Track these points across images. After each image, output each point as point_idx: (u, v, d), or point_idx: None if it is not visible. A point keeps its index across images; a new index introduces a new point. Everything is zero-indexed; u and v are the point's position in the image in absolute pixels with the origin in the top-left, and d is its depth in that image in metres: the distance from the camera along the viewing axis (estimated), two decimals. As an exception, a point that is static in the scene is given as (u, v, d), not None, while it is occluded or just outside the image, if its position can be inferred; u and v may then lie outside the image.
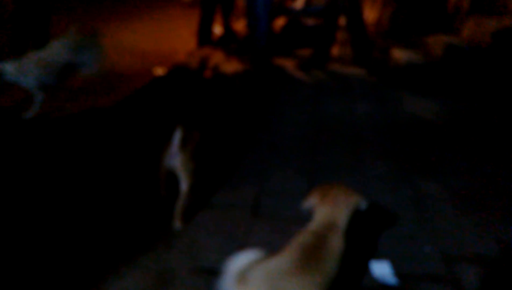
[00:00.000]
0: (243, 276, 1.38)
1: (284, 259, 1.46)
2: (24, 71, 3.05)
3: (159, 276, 1.83)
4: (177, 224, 2.14)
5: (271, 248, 2.02)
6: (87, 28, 3.38)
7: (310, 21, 6.64)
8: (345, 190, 1.75)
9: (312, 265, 1.46)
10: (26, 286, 1.77)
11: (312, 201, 1.73)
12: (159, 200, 2.35)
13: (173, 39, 6.19)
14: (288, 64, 5.28)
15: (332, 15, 5.00)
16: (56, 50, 3.26)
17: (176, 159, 2.11)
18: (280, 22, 6.34)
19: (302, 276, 1.43)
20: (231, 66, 5.01)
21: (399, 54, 5.07)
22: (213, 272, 1.86)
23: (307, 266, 1.45)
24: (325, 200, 1.68)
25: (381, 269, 1.92)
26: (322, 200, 1.69)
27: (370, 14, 7.93)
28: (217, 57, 5.32)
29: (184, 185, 2.14)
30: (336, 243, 1.57)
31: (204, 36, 5.77)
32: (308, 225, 1.65)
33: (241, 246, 2.02)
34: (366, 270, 1.93)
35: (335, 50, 6.07)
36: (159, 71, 4.73)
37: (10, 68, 3.01)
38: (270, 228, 2.18)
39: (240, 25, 6.94)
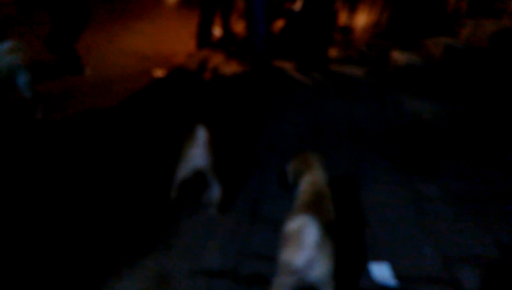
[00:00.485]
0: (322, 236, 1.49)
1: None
2: None
3: (159, 277, 1.82)
4: (216, 212, 2.26)
5: (270, 250, 2.03)
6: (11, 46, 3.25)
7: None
8: (315, 153, 2.08)
9: (329, 202, 1.85)
10: (29, 287, 1.76)
11: (296, 166, 2.00)
12: (158, 202, 2.35)
13: (173, 41, 6.19)
14: (288, 65, 5.29)
15: (318, 17, 5.08)
16: None
17: (204, 159, 2.11)
18: (279, 24, 6.35)
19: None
20: (230, 68, 5.01)
21: (399, 56, 5.07)
22: (212, 273, 1.86)
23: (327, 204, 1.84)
24: (308, 163, 1.98)
25: (381, 271, 1.92)
26: (306, 164, 1.99)
27: (369, 15, 7.94)
28: (216, 59, 5.33)
29: (215, 182, 2.20)
30: (328, 190, 1.92)
31: (203, 38, 5.77)
32: (305, 183, 1.92)
33: (240, 247, 2.02)
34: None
35: (335, 52, 6.07)
36: (159, 72, 4.73)
37: None
38: (269, 230, 2.17)
39: (239, 27, 6.94)
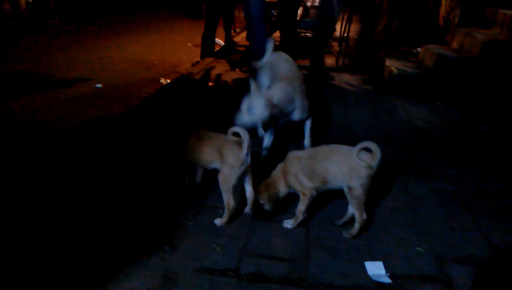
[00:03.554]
0: None
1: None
2: None
3: (165, 276, 1.83)
4: (250, 212, 2.31)
5: (270, 249, 2.03)
6: None
7: (307, 33, 6.68)
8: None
9: None
10: (38, 286, 1.77)
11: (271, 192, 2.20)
12: (162, 204, 2.36)
13: (178, 51, 6.23)
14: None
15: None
16: None
17: (249, 158, 2.13)
18: (278, 34, 6.37)
19: None
20: (232, 76, 5.04)
21: (393, 64, 5.09)
22: (215, 272, 1.87)
23: None
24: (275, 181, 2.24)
25: (376, 269, 1.92)
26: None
27: (365, 26, 7.96)
28: (219, 68, 5.35)
29: (251, 181, 2.24)
30: None
31: (207, 48, 5.80)
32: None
33: (241, 247, 2.03)
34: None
35: (331, 60, 6.10)
36: (165, 80, 4.76)
37: None
38: (269, 229, 2.18)
39: (241, 37, 6.97)
